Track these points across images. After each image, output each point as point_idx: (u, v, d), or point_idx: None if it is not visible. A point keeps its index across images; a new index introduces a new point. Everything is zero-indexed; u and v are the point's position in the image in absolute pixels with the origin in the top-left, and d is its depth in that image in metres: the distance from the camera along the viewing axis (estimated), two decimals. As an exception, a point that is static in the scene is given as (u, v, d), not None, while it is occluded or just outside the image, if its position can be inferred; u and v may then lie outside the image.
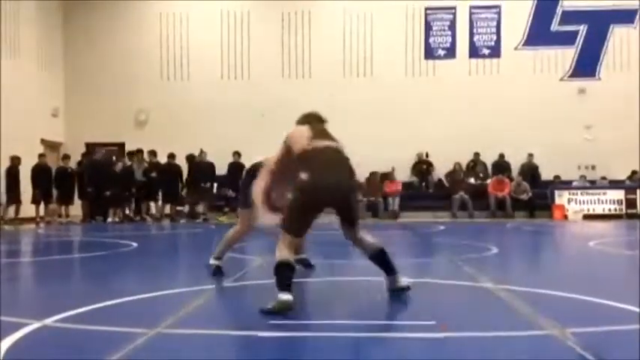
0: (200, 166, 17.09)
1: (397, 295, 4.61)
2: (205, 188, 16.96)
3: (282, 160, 4.62)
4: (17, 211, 16.06)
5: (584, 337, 3.43)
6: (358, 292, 5.33)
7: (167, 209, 17.41)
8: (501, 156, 18.97)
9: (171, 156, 17.18)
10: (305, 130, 4.59)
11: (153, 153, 17.42)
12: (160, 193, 17.15)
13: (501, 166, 18.83)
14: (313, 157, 4.39)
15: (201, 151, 17.25)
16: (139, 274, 7.00)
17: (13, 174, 15.86)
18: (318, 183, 4.31)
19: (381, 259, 4.66)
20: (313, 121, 4.78)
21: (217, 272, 5.78)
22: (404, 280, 4.67)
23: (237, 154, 17.07)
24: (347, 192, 4.51)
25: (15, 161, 16.01)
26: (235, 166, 16.66)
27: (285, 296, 4.03)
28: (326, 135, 4.63)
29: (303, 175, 4.31)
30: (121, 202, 16.83)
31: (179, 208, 17.31)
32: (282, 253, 4.23)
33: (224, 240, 5.92)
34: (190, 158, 17.24)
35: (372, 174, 17.83)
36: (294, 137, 4.56)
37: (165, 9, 19.92)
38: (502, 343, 3.46)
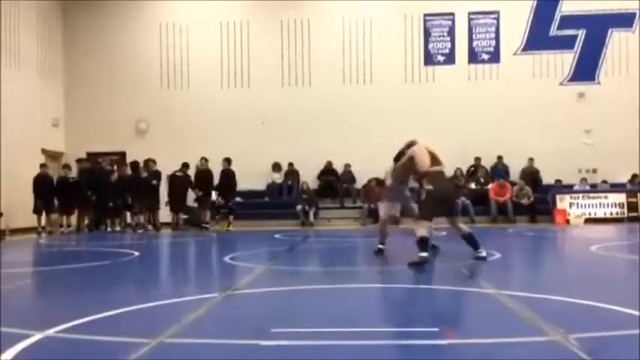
0: (201, 174, 17.04)
1: (476, 262, 7.31)
2: (200, 196, 16.91)
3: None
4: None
5: (586, 342, 3.42)
6: (360, 300, 5.32)
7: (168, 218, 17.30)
8: (499, 157, 18.95)
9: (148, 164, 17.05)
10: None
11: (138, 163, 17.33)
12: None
13: (499, 169, 18.79)
14: (434, 174, 7.31)
15: (203, 159, 17.16)
16: (141, 283, 6.99)
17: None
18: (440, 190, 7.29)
19: (468, 239, 7.61)
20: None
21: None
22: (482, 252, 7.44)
23: (227, 160, 16.96)
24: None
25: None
26: (227, 173, 16.66)
27: (424, 254, 6.89)
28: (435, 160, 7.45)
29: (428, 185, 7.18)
30: (121, 211, 16.77)
31: (183, 216, 17.24)
32: (420, 231, 7.07)
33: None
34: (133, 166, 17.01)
35: (370, 181, 17.71)
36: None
37: (166, 19, 19.95)
38: (505, 349, 3.45)
